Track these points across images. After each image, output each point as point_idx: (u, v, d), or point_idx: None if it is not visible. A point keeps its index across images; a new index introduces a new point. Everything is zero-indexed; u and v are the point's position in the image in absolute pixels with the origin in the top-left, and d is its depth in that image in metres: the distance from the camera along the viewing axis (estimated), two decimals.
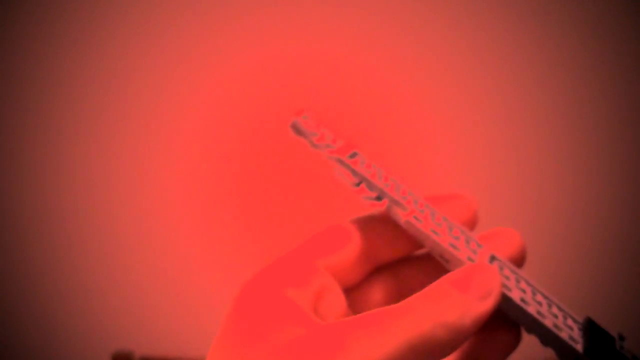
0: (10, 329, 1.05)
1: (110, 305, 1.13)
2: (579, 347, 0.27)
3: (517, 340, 0.29)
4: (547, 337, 0.27)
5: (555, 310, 0.28)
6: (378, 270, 0.30)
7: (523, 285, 0.28)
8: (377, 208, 0.27)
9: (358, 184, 0.27)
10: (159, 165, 1.12)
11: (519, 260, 0.29)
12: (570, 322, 0.28)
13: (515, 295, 0.27)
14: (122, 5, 1.13)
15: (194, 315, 1.18)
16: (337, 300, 0.28)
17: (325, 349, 0.24)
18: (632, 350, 0.28)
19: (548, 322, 0.27)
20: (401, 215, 0.27)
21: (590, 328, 0.28)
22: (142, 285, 1.15)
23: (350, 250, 0.29)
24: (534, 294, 0.28)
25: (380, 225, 0.29)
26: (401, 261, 0.30)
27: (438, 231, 0.28)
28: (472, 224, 0.30)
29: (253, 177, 1.14)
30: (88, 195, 1.10)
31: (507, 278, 0.28)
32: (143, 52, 1.14)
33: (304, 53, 1.13)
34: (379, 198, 0.27)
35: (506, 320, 0.29)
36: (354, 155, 0.27)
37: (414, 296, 0.26)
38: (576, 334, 0.27)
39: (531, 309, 0.27)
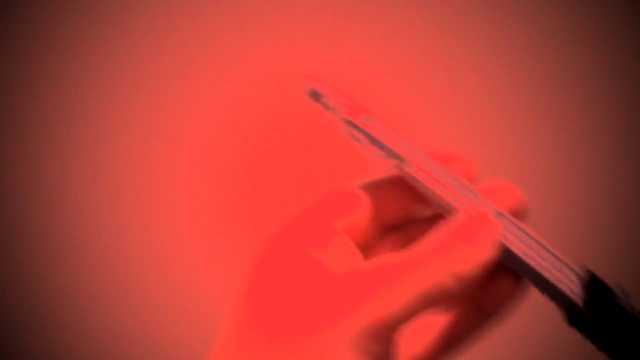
0: (10, 334, 1.06)
1: (116, 312, 1.14)
2: (580, 300, 0.28)
3: (520, 287, 0.30)
4: (547, 289, 0.28)
5: (557, 263, 0.29)
6: (388, 231, 0.31)
7: (525, 238, 0.29)
8: (387, 166, 0.29)
9: (370, 145, 0.29)
10: (163, 164, 1.12)
11: (520, 214, 0.30)
12: (572, 276, 0.29)
13: (516, 247, 0.28)
14: (127, 2, 1.14)
15: (202, 325, 1.18)
16: (356, 260, 0.29)
17: (346, 304, 0.25)
18: (635, 306, 0.28)
19: (549, 275, 0.28)
20: (409, 172, 0.29)
21: (592, 282, 0.29)
22: (149, 293, 1.15)
23: (363, 211, 0.30)
24: (535, 246, 0.29)
25: (390, 186, 0.30)
26: (410, 222, 0.31)
27: (443, 186, 0.29)
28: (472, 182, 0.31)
29: (260, 177, 1.15)
30: (93, 196, 1.11)
31: (509, 230, 0.29)
32: (148, 49, 1.14)
33: (307, 52, 1.14)
34: (389, 157, 0.29)
35: (511, 271, 0.30)
36: (367, 118, 0.29)
37: (423, 248, 0.27)
38: (578, 287, 0.28)
39: (531, 261, 0.28)
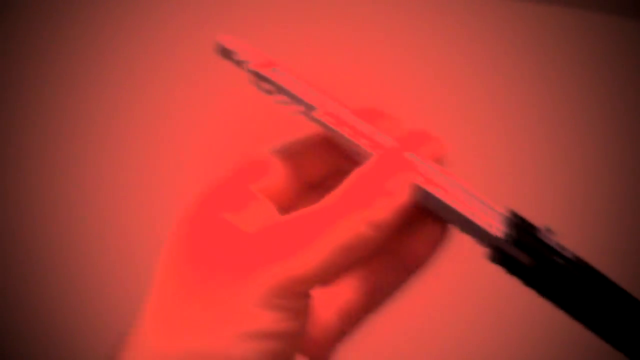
0: (9, 333, 1.07)
1: (117, 312, 1.14)
2: (504, 237, 0.28)
3: (442, 233, 0.30)
4: (470, 229, 0.28)
5: (479, 204, 0.28)
6: (311, 188, 0.31)
7: (444, 180, 0.28)
8: (295, 113, 0.29)
9: (278, 95, 0.29)
10: (166, 165, 1.13)
11: (439, 160, 0.29)
12: (492, 213, 0.28)
13: (435, 189, 0.28)
14: (129, 3, 1.15)
15: None
16: (274, 220, 0.29)
17: (255, 261, 0.25)
18: (559, 242, 0.28)
19: (465, 211, 0.28)
20: (316, 117, 0.28)
21: (513, 219, 0.28)
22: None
23: (279, 171, 0.29)
24: (456, 189, 0.28)
25: (310, 144, 0.30)
26: (332, 177, 0.31)
27: (354, 131, 0.29)
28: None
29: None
30: (94, 197, 1.11)
31: (428, 174, 0.28)
32: (147, 51, 1.15)
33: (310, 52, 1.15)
34: (297, 105, 0.29)
35: (432, 216, 0.29)
36: (275, 70, 0.29)
37: (336, 197, 0.27)
38: (502, 226, 0.28)
39: (453, 203, 0.28)
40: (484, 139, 1.06)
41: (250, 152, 0.30)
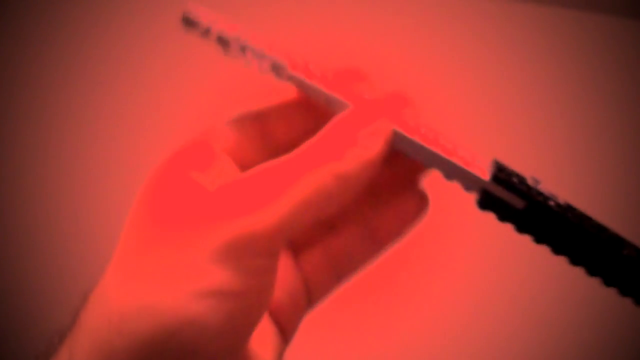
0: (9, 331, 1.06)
1: None
2: (488, 177, 0.28)
3: (420, 207, 0.29)
4: (453, 170, 0.28)
5: (462, 151, 0.28)
6: (279, 153, 0.30)
7: (423, 130, 0.28)
8: (264, 71, 0.28)
9: (245, 55, 0.28)
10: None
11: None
12: (478, 161, 0.28)
13: (415, 134, 0.27)
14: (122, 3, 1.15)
15: None
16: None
17: (212, 216, 0.25)
18: (546, 190, 0.28)
19: (451, 156, 0.28)
20: (288, 72, 0.28)
21: (498, 166, 0.28)
22: None
23: (247, 135, 0.29)
24: (437, 137, 0.28)
25: (279, 107, 0.29)
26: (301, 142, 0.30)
27: (321, 80, 0.28)
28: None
29: None
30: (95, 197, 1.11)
31: (404, 124, 0.28)
32: (143, 48, 1.15)
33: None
34: (266, 62, 0.28)
35: (407, 188, 0.29)
36: (239, 31, 0.28)
37: (303, 150, 0.26)
38: (485, 169, 0.28)
39: (433, 146, 0.28)
40: (487, 137, 1.06)
41: (218, 118, 0.29)
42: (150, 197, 0.27)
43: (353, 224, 0.30)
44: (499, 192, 0.28)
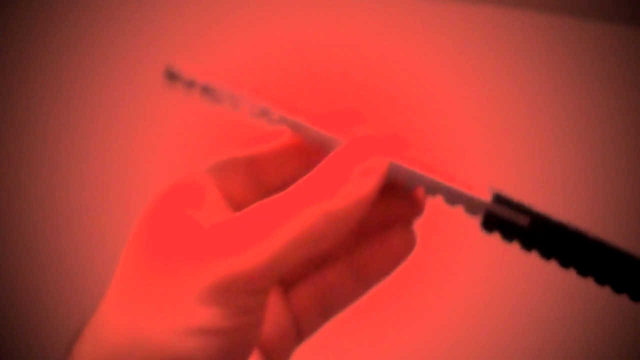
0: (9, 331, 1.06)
1: None
2: (489, 199, 0.28)
3: (408, 245, 0.29)
4: (455, 196, 0.28)
5: (459, 179, 0.29)
6: (272, 192, 0.30)
7: (420, 161, 0.29)
8: (254, 114, 0.28)
9: (234, 103, 0.28)
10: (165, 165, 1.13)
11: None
12: (476, 187, 0.29)
13: (412, 164, 0.28)
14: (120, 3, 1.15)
15: None
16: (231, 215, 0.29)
17: (201, 255, 0.25)
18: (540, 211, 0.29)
19: (451, 182, 0.28)
20: (277, 114, 0.28)
21: (495, 191, 0.29)
22: None
23: (235, 172, 0.29)
24: (432, 166, 0.29)
25: (265, 149, 0.29)
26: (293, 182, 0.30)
27: (312, 120, 0.28)
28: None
29: None
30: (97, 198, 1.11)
31: (402, 153, 0.28)
32: (142, 50, 1.15)
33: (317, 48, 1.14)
34: (257, 109, 0.28)
35: (395, 226, 0.29)
36: (223, 83, 0.29)
37: (295, 186, 0.26)
38: (484, 192, 0.29)
39: (432, 174, 0.28)
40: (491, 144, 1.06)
41: (208, 156, 0.29)
42: (147, 231, 0.27)
43: (341, 261, 0.30)
44: (503, 211, 0.28)
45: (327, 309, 0.31)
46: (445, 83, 1.14)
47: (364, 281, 0.30)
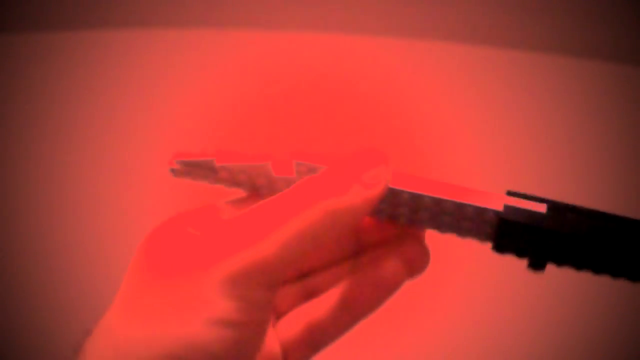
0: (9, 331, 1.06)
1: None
2: (506, 209, 0.28)
3: (419, 252, 0.30)
4: (475, 212, 0.28)
5: (470, 191, 0.29)
6: None
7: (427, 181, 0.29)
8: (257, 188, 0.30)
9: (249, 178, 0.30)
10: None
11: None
12: (490, 197, 0.29)
13: (425, 189, 0.28)
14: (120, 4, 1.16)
15: None
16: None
17: (218, 249, 0.26)
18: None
19: (472, 200, 0.28)
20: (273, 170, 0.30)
21: (507, 193, 0.28)
22: None
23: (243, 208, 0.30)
24: (440, 183, 0.29)
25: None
26: None
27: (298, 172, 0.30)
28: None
29: None
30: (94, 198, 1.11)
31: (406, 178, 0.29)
32: (140, 51, 1.16)
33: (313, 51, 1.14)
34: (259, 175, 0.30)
35: (388, 256, 0.30)
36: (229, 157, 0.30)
37: (302, 185, 0.27)
38: (498, 201, 0.28)
39: (442, 195, 0.28)
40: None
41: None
42: (151, 246, 0.28)
43: (332, 292, 0.31)
44: (517, 216, 0.27)
45: (314, 344, 0.31)
46: (447, 92, 1.14)
47: (352, 314, 0.31)
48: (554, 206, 0.27)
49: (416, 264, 0.30)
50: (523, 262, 1.00)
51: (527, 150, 1.12)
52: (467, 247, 1.01)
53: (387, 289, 0.30)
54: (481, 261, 1.02)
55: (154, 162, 1.12)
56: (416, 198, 0.28)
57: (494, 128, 1.14)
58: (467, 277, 1.02)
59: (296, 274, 0.33)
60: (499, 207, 0.28)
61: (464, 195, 0.28)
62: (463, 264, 1.03)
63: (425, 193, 0.28)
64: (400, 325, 0.99)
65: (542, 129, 1.13)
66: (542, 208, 0.28)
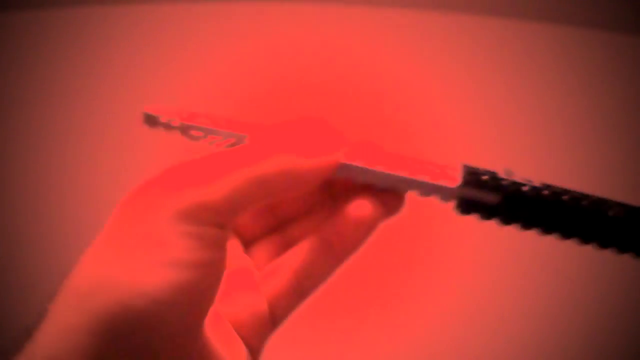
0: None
1: None
2: (456, 183, 0.29)
3: (369, 215, 0.30)
4: (422, 188, 0.29)
5: (428, 166, 0.29)
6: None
7: (386, 153, 0.30)
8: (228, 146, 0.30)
9: (210, 136, 0.31)
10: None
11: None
12: (447, 170, 0.29)
13: (374, 164, 0.29)
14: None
15: None
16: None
17: (168, 188, 0.26)
18: (523, 177, 0.29)
19: (417, 175, 0.29)
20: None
21: (467, 170, 0.29)
22: None
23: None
24: (400, 158, 0.30)
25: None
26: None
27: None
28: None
29: None
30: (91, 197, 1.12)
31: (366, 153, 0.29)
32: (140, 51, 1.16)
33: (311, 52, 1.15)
34: (229, 138, 0.31)
35: (364, 193, 0.30)
36: (200, 118, 0.31)
37: (260, 138, 0.28)
38: (455, 176, 0.29)
39: (398, 172, 0.29)
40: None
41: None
42: (120, 211, 0.27)
43: (312, 237, 0.31)
44: (473, 194, 0.28)
45: (300, 290, 0.31)
46: (438, 78, 1.14)
47: (335, 255, 0.31)
48: (507, 196, 0.29)
49: (391, 202, 0.30)
50: (522, 260, 1.00)
51: (517, 125, 1.12)
52: (466, 247, 1.01)
53: (366, 227, 0.30)
54: (480, 261, 1.01)
55: (154, 153, 1.12)
56: (371, 174, 0.30)
57: (482, 101, 1.14)
58: (467, 277, 1.02)
59: (271, 223, 0.33)
60: (455, 184, 0.29)
61: (420, 171, 0.29)
62: (463, 264, 1.03)
63: (381, 170, 0.29)
64: (400, 325, 0.99)
65: (533, 104, 1.13)
66: (495, 199, 0.29)
